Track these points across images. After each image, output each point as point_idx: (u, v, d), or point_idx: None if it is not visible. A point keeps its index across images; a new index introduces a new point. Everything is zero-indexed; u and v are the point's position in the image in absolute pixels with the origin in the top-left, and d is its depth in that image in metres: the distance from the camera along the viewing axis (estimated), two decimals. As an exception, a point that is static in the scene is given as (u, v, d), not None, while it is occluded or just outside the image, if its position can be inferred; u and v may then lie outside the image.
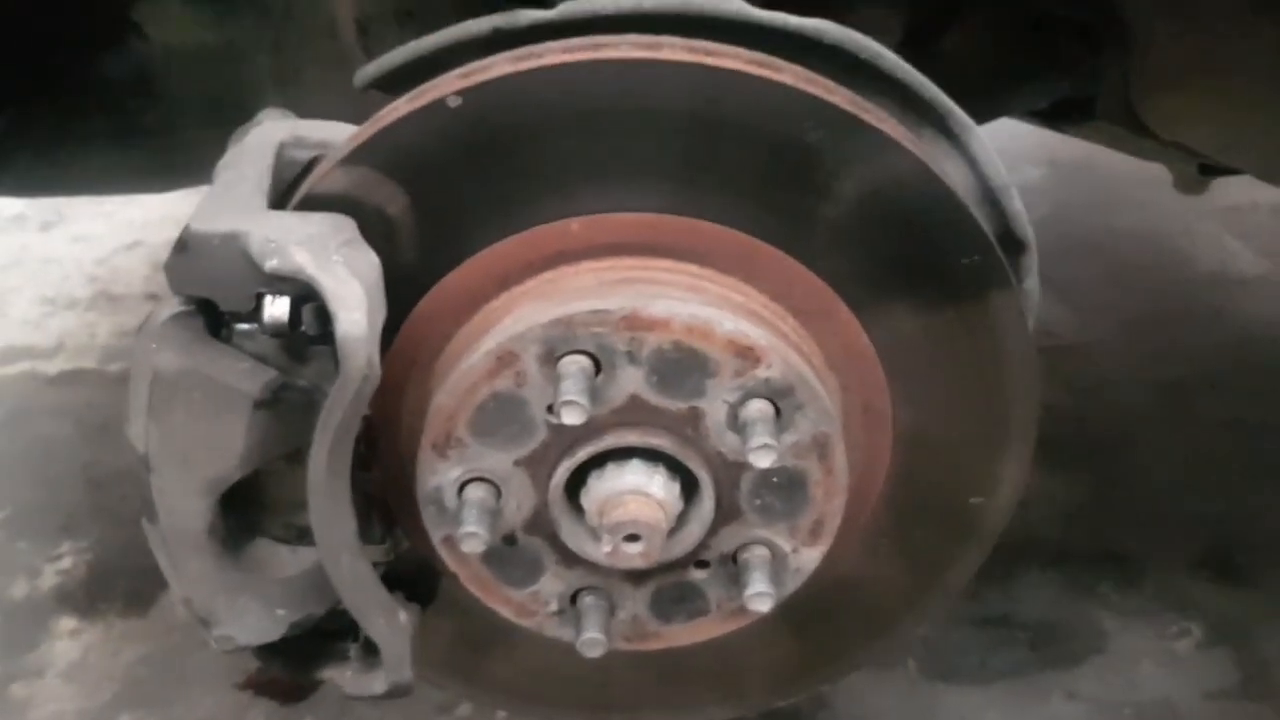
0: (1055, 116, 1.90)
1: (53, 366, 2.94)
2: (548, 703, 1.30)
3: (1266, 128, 1.55)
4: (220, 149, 1.54)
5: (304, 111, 1.54)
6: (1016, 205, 1.04)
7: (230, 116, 1.61)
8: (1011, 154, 4.09)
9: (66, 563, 2.22)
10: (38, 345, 3.02)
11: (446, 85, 0.95)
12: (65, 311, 3.21)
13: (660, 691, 1.25)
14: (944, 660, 2.08)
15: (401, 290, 0.97)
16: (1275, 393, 2.87)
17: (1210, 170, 1.90)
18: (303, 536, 0.99)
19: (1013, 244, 1.06)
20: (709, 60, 0.94)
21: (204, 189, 1.13)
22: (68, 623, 2.07)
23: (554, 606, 1.05)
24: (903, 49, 1.81)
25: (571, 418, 0.91)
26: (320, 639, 1.04)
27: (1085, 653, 2.12)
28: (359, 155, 0.96)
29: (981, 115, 1.93)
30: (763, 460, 0.93)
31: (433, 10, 1.31)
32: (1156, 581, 2.27)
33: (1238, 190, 3.40)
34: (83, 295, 3.30)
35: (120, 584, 2.12)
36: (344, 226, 0.92)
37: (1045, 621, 2.18)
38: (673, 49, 0.95)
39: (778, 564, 1.02)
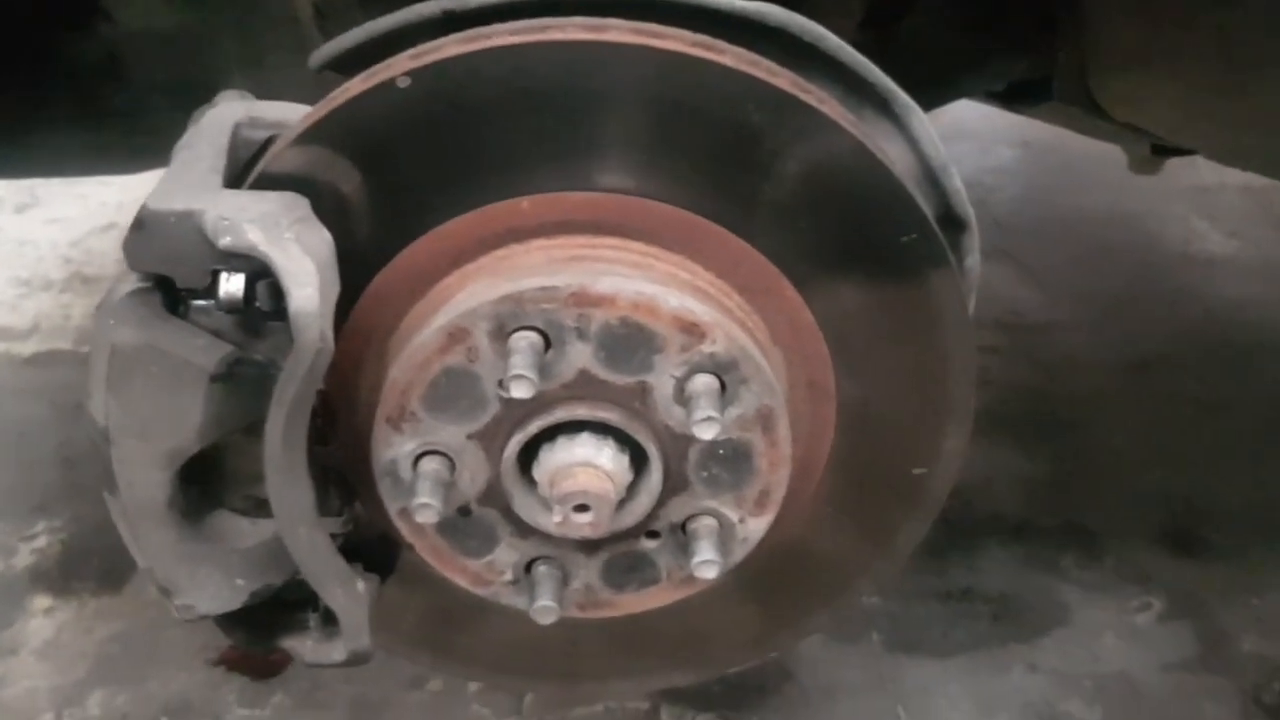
0: (1012, 97, 1.93)
1: (27, 348, 2.95)
2: (517, 673, 1.33)
3: (1217, 108, 1.58)
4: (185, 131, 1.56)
5: (268, 94, 1.56)
6: (956, 184, 1.07)
7: (196, 99, 1.62)
8: (984, 135, 4.12)
9: (41, 542, 2.24)
10: (13, 327, 3.03)
11: (397, 66, 0.98)
12: (40, 293, 3.22)
13: (626, 659, 1.28)
14: (907, 633, 2.12)
15: (355, 267, 1.00)
16: (1238, 371, 2.92)
17: (1163, 150, 1.93)
18: (261, 508, 1.01)
19: (953, 223, 1.09)
20: (653, 42, 0.96)
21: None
22: (42, 601, 2.09)
23: (509, 576, 1.08)
24: (863, 30, 1.84)
25: (521, 392, 0.94)
26: (280, 608, 1.06)
27: (1047, 625, 2.16)
28: (312, 135, 0.99)
29: (940, 96, 1.97)
30: (707, 433, 0.96)
31: None
32: (1118, 555, 2.32)
33: (1206, 171, 3.46)
34: (57, 277, 3.30)
35: (94, 562, 2.15)
36: (297, 204, 0.94)
37: (1007, 595, 2.23)
38: (618, 31, 0.97)
39: (725, 533, 1.05)
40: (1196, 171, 3.47)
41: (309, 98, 1.12)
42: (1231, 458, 2.57)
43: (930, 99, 1.94)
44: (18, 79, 1.60)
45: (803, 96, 0.97)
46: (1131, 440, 2.65)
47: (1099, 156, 3.33)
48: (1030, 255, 3.47)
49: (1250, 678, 2.03)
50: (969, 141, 4.07)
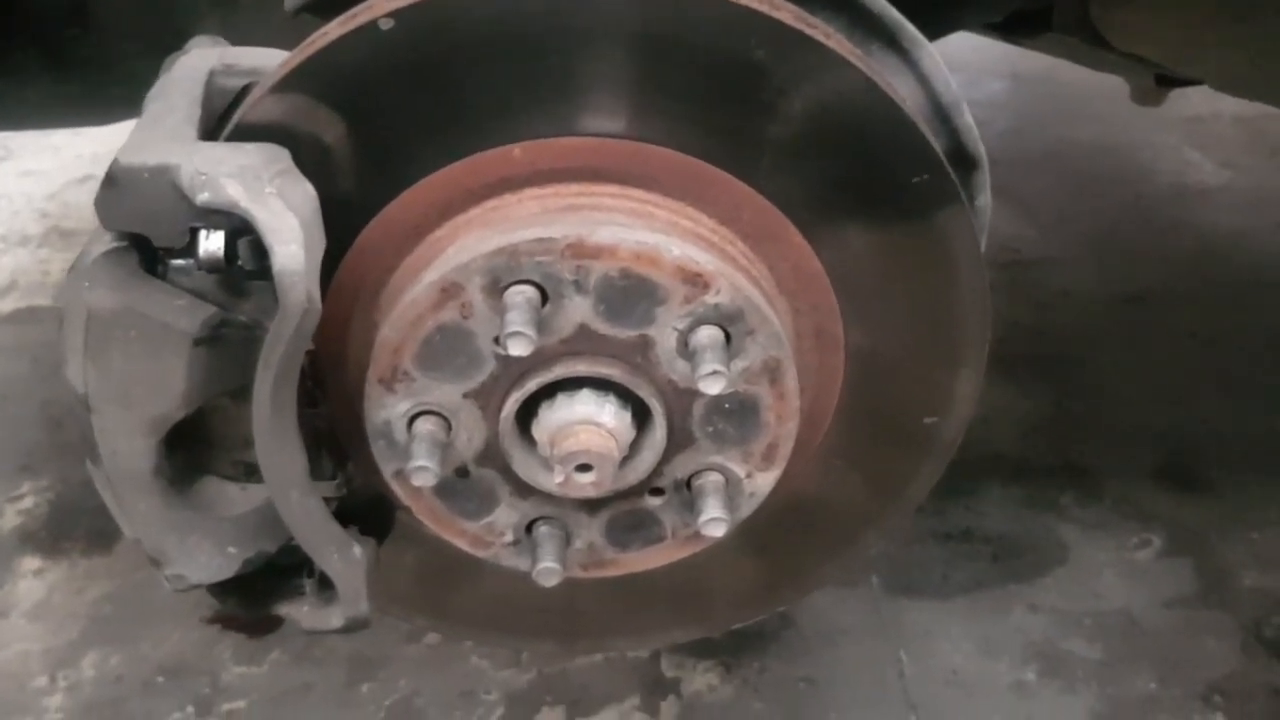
0: (1011, 29, 1.88)
1: (6, 305, 2.91)
2: (515, 633, 1.31)
3: (1221, 37, 1.54)
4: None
5: (242, 39, 1.50)
6: (967, 121, 1.03)
7: (167, 45, 1.56)
8: (974, 67, 4.06)
9: (28, 502, 2.23)
10: (-10, 284, 2.99)
11: (378, 7, 0.93)
12: (17, 249, 3.17)
13: (626, 616, 1.26)
14: (907, 576, 2.12)
15: (341, 221, 0.96)
16: (1233, 303, 2.90)
17: (1167, 81, 1.89)
18: (251, 473, 0.98)
19: (964, 161, 1.05)
20: None
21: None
22: (31, 562, 2.07)
23: (509, 537, 1.05)
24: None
25: (518, 349, 0.90)
26: (275, 575, 1.03)
27: (1047, 565, 2.16)
28: (291, 81, 0.94)
29: (939, 28, 1.91)
30: (713, 387, 0.93)
31: None
32: (1117, 493, 2.31)
33: (1199, 101, 3.40)
34: (35, 232, 3.26)
35: (83, 522, 2.13)
36: (278, 156, 0.89)
37: (1007, 535, 2.22)
38: None
39: (732, 489, 1.02)
40: (1189, 102, 3.42)
41: (285, 42, 1.07)
42: (1228, 392, 2.56)
43: (930, 31, 1.88)
44: None
45: (808, 31, 0.93)
46: (1128, 376, 2.64)
47: (1089, 88, 3.29)
48: (1022, 189, 3.43)
49: (1250, 612, 2.02)
50: (958, 74, 4.00)
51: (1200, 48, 1.57)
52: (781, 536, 1.19)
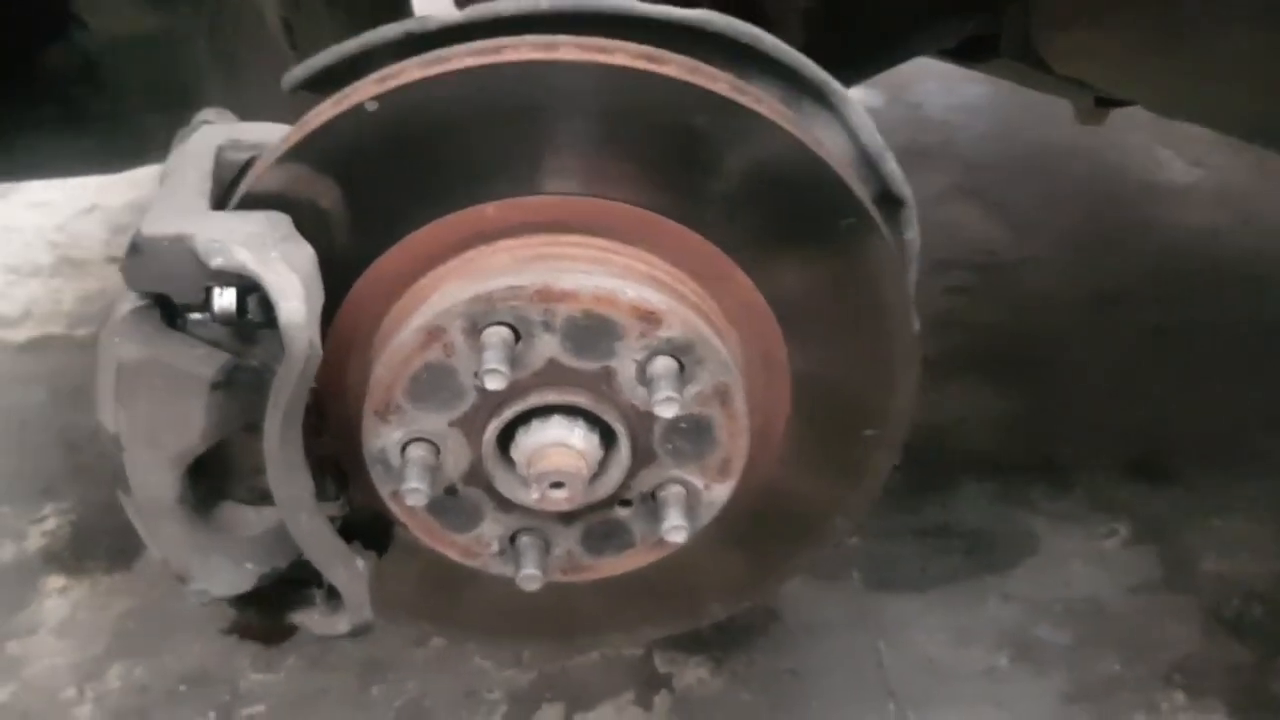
0: (963, 55, 2.00)
1: (21, 334, 2.99)
2: (514, 634, 1.43)
3: (1154, 62, 1.65)
4: (165, 130, 1.63)
5: (240, 93, 1.62)
6: (892, 166, 1.15)
7: (173, 99, 1.69)
8: (951, 73, 4.15)
9: (50, 524, 2.30)
10: (5, 314, 3.07)
11: (364, 90, 1.05)
12: (30, 279, 3.25)
13: (618, 614, 1.38)
14: (886, 570, 2.20)
15: (339, 274, 1.08)
16: (1203, 299, 2.99)
17: (1106, 102, 2.00)
18: (265, 498, 1.10)
19: (891, 201, 1.17)
20: (600, 58, 1.04)
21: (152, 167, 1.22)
22: (56, 581, 2.15)
23: (495, 548, 1.17)
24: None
25: (494, 384, 1.03)
26: (288, 587, 1.16)
27: (1019, 556, 2.24)
28: (290, 156, 1.06)
29: (896, 55, 2.04)
30: (668, 411, 1.05)
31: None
32: (1086, 485, 2.40)
33: (1168, 101, 3.50)
34: (46, 262, 3.33)
35: (103, 541, 2.21)
36: (280, 223, 1.02)
37: (981, 529, 2.30)
38: (568, 48, 1.05)
39: (692, 499, 1.15)
40: (1159, 102, 3.52)
41: (282, 98, 1.19)
42: (1195, 386, 2.65)
43: (886, 58, 2.01)
44: (2, 92, 1.67)
45: (739, 99, 1.05)
46: (1099, 373, 2.73)
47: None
48: (998, 192, 3.54)
49: (1211, 596, 2.12)
50: (936, 80, 4.12)
51: (1134, 71, 1.69)
52: (754, 531, 1.30)
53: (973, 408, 2.67)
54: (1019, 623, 2.09)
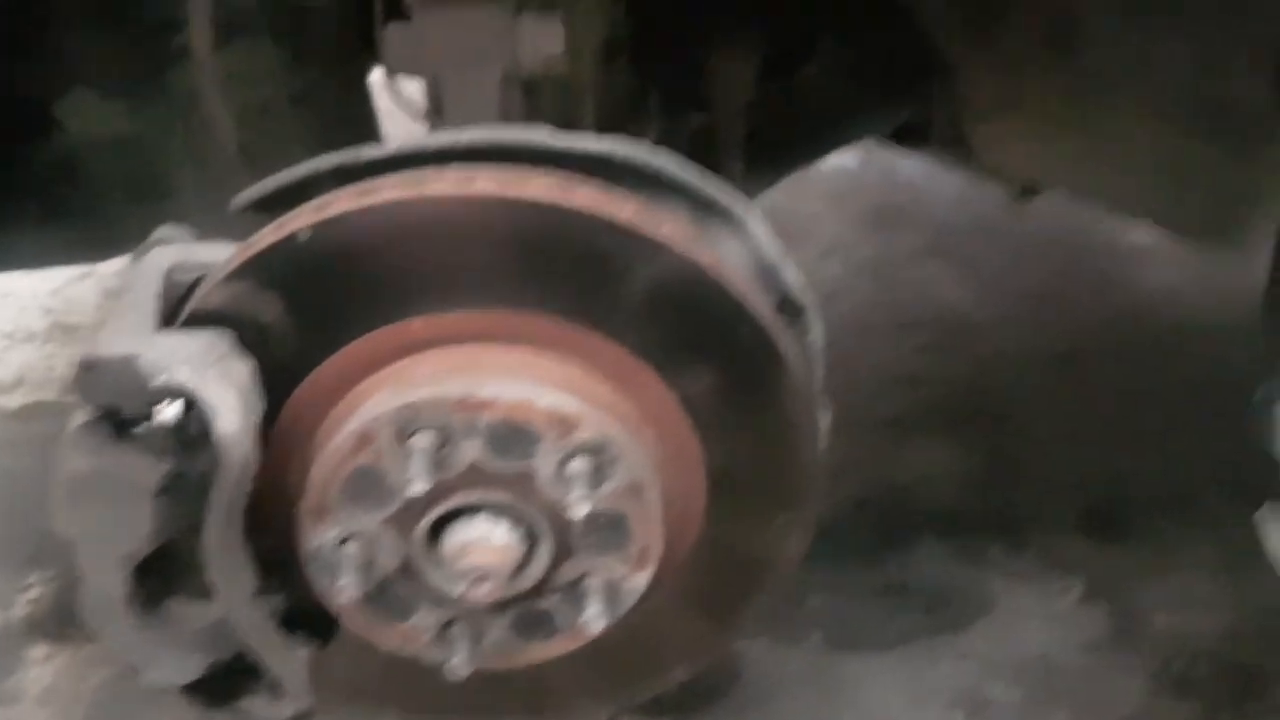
0: (898, 140, 2.10)
1: (14, 400, 3.03)
2: (480, 711, 1.48)
3: (1071, 154, 1.75)
4: (140, 221, 1.73)
5: (213, 187, 1.72)
6: (791, 276, 1.25)
7: (148, 192, 1.79)
8: (922, 134, 4.27)
9: (35, 592, 2.34)
10: (-1, 380, 3.11)
11: (301, 219, 1.15)
12: (23, 344, 3.28)
13: (590, 682, 1.44)
14: (847, 630, 2.23)
15: (280, 381, 1.17)
16: (1159, 359, 3.05)
17: (1030, 190, 2.10)
18: (209, 592, 1.18)
19: (792, 308, 1.27)
20: (513, 192, 1.14)
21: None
22: (40, 649, 2.19)
23: (429, 636, 1.25)
24: (762, 82, 2.01)
25: (417, 489, 1.11)
26: (235, 674, 1.24)
27: (975, 615, 2.28)
28: (233, 277, 1.16)
29: (836, 140, 2.14)
30: (581, 510, 1.14)
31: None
32: (1041, 544, 2.43)
33: (1132, 162, 3.59)
34: (39, 328, 3.36)
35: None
36: (220, 341, 1.12)
37: (940, 587, 2.34)
38: (485, 181, 1.15)
39: (612, 589, 1.22)
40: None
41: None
42: (1148, 444, 2.69)
43: (825, 146, 2.12)
44: None
45: (641, 225, 1.15)
46: (1056, 431, 2.78)
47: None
48: (965, 252, 3.61)
49: (1161, 652, 2.17)
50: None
51: (1052, 161, 1.79)
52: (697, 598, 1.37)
53: (935, 464, 2.73)
54: (973, 681, 2.14)
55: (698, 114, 2.08)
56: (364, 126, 1.86)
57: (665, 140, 1.95)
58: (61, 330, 3.38)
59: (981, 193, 3.94)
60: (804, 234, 3.68)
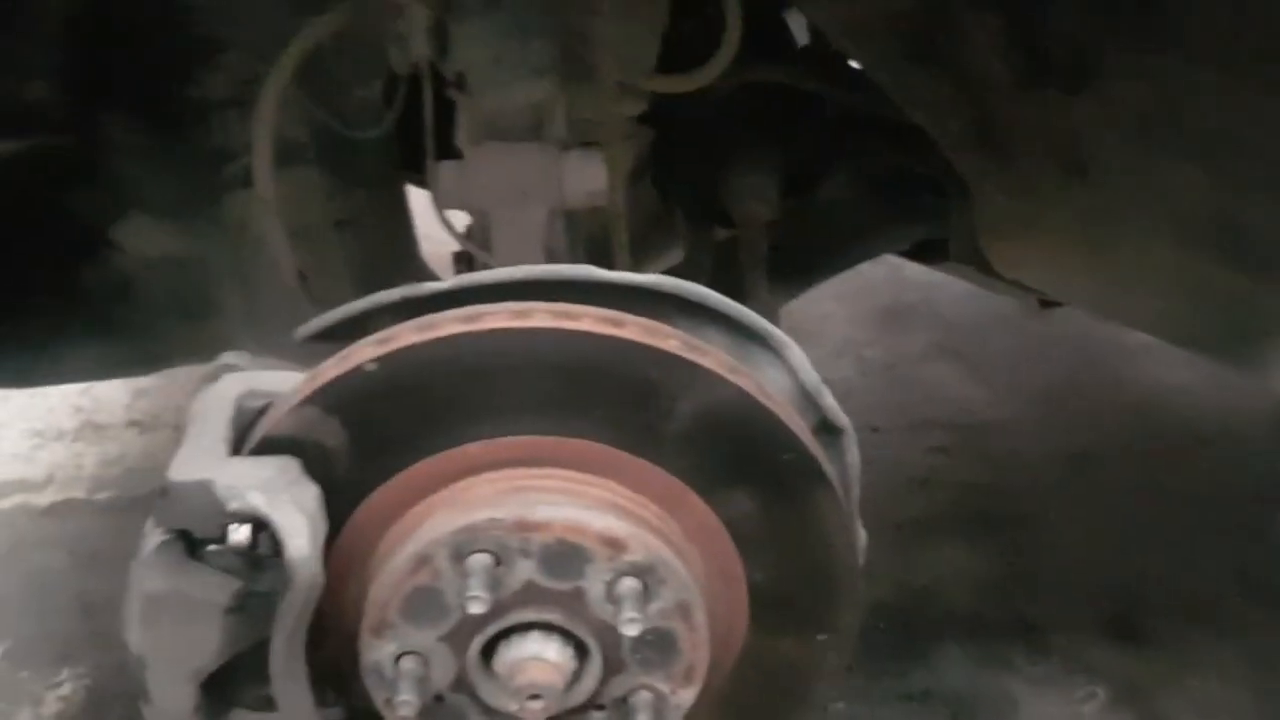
0: (917, 255, 2.18)
1: (44, 498, 3.08)
2: None
3: (1089, 273, 1.81)
4: (186, 337, 1.80)
5: (259, 301, 1.79)
6: (828, 400, 1.31)
7: (195, 310, 1.87)
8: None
9: (66, 689, 2.37)
10: (29, 478, 3.16)
11: (365, 351, 1.22)
12: (53, 443, 3.34)
13: None
14: None
15: (341, 503, 1.23)
16: (1172, 458, 3.10)
17: (1050, 302, 2.17)
18: (271, 704, 1.23)
19: (830, 430, 1.33)
20: (566, 325, 1.21)
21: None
22: None
23: None
24: (784, 200, 2.09)
25: (476, 608, 1.16)
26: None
27: None
28: (301, 405, 1.22)
29: (856, 256, 2.22)
30: (632, 630, 1.19)
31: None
32: (1064, 648, 2.46)
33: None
34: (69, 426, 3.42)
35: (117, 708, 2.28)
36: (289, 467, 1.18)
37: (963, 693, 2.37)
38: (540, 315, 1.22)
39: (659, 704, 1.27)
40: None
41: (299, 314, 1.36)
42: (1169, 545, 2.73)
43: (844, 262, 2.20)
44: (41, 307, 1.84)
45: (687, 355, 1.22)
46: (1075, 533, 2.82)
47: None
48: (976, 351, 3.68)
49: (1187, 758, 2.20)
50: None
51: (1069, 278, 1.85)
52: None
53: (952, 566, 2.76)
54: (997, 789, 2.18)
55: (722, 230, 2.18)
56: (404, 249, 1.95)
57: (691, 256, 2.04)
58: (91, 429, 3.44)
59: (988, 292, 4.10)
60: (816, 334, 3.76)
